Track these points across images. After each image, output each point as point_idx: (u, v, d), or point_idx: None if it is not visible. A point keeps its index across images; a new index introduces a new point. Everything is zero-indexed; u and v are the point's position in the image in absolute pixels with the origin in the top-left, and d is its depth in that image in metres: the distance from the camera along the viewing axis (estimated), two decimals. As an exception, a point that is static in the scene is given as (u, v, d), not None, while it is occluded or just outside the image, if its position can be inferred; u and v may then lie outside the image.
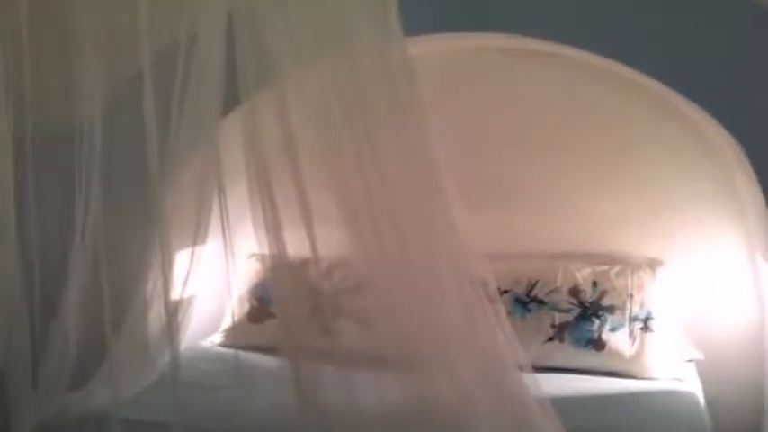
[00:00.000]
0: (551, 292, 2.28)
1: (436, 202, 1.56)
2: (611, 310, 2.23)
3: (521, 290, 2.30)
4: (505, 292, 2.25)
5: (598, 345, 2.20)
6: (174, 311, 1.64)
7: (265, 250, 1.50)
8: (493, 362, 1.57)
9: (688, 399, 2.03)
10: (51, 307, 1.71)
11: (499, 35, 2.08)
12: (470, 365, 1.53)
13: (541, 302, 2.27)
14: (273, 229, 1.45)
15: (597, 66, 2.11)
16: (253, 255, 2.48)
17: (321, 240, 1.47)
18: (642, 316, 2.23)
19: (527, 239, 2.41)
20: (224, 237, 1.53)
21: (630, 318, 2.22)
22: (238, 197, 1.50)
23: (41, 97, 1.61)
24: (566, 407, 1.59)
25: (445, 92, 2.16)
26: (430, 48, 2.09)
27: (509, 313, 2.09)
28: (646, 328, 2.21)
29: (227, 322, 2.50)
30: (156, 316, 1.74)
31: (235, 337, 2.37)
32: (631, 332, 2.21)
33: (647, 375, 2.15)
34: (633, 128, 2.35)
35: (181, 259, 1.67)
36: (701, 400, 2.05)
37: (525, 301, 2.29)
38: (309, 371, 1.47)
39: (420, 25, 1.69)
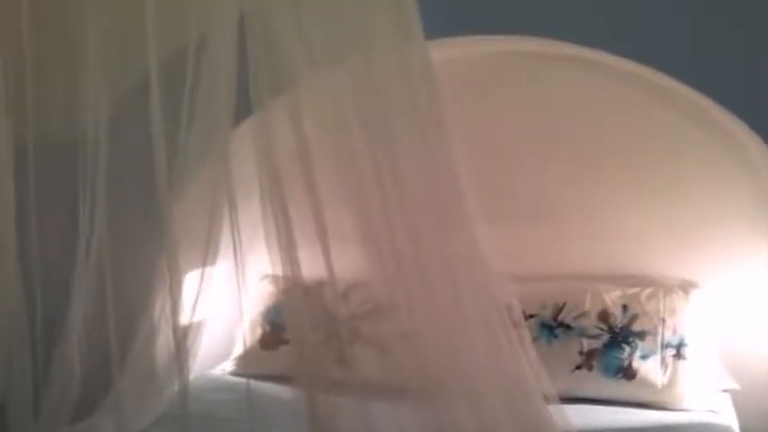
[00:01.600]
0: (579, 316, 2.21)
1: (458, 218, 1.51)
2: (641, 336, 2.16)
3: (547, 314, 2.23)
4: (531, 316, 2.19)
5: (628, 373, 2.13)
6: (182, 337, 1.58)
7: (279, 271, 1.44)
8: (518, 392, 1.53)
9: (723, 432, 1.95)
10: (54, 332, 1.67)
11: (523, 38, 2.01)
12: (494, 396, 1.48)
13: (569, 327, 2.20)
14: (287, 248, 1.40)
15: (626, 70, 2.04)
16: (265, 276, 2.42)
17: (337, 260, 1.42)
18: (675, 342, 2.15)
19: (553, 259, 2.34)
20: (235, 257, 1.48)
21: (662, 344, 2.15)
22: (250, 214, 1.45)
23: (43, 105, 1.58)
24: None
25: (465, 98, 2.09)
26: (449, 51, 2.02)
27: (535, 339, 2.04)
28: (678, 356, 2.14)
29: (238, 349, 2.45)
30: (163, 342, 1.69)
31: (246, 365, 2.33)
32: (663, 360, 2.14)
33: (679, 407, 2.08)
34: (665, 138, 2.28)
35: (190, 281, 1.61)
36: (737, 434, 1.97)
37: (552, 326, 2.22)
38: (325, 402, 1.42)
39: (439, 28, 1.63)
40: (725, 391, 2.16)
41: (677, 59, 1.91)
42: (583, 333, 2.18)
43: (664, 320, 2.16)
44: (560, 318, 2.22)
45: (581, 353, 2.16)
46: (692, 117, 2.17)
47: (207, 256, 1.58)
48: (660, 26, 1.91)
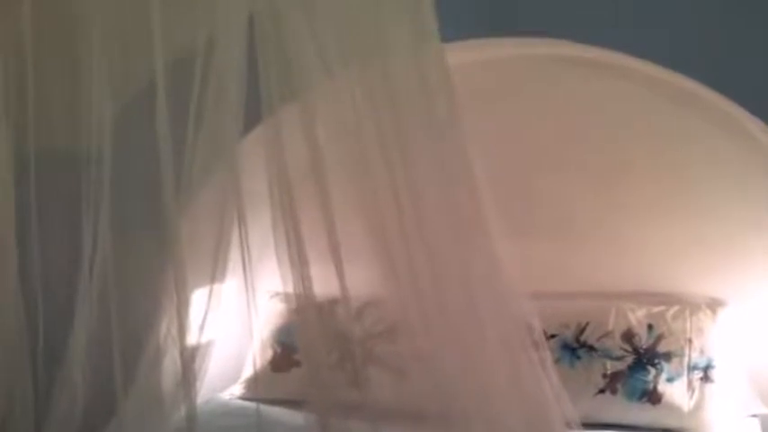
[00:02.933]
0: (603, 336, 2.14)
1: (477, 232, 1.47)
2: (667, 357, 2.09)
3: (569, 334, 2.16)
4: (552, 336, 2.12)
5: (653, 397, 2.06)
6: (190, 359, 1.53)
7: (290, 289, 1.41)
8: (538, 417, 1.49)
9: (752, 459, 1.90)
10: (56, 354, 1.62)
11: (542, 41, 1.96)
12: (514, 421, 1.44)
13: (592, 348, 2.13)
14: (299, 264, 1.37)
15: (651, 75, 1.99)
16: (276, 294, 2.37)
17: (351, 277, 1.38)
18: (702, 364, 2.08)
19: (575, 275, 2.27)
20: (245, 273, 1.44)
21: (689, 366, 2.08)
22: (260, 228, 1.42)
23: (45, 108, 1.55)
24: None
25: (483, 104, 2.01)
26: (466, 55, 1.96)
27: (556, 361, 1.97)
28: (706, 379, 2.07)
29: (248, 371, 2.41)
30: (170, 364, 1.64)
31: (256, 388, 2.28)
32: (690, 383, 2.06)
33: (706, 433, 2.02)
34: (691, 147, 2.21)
35: (197, 299, 1.57)
36: (766, 461, 1.91)
37: (574, 348, 2.15)
38: (339, 427, 1.38)
39: (455, 31, 1.59)
40: (753, 415, 2.09)
41: (705, 64, 1.85)
42: (606, 354, 2.12)
43: (690, 341, 2.09)
44: (583, 338, 2.15)
45: (604, 375, 2.10)
46: (721, 126, 2.11)
47: (215, 273, 1.54)
48: (687, 29, 1.85)
